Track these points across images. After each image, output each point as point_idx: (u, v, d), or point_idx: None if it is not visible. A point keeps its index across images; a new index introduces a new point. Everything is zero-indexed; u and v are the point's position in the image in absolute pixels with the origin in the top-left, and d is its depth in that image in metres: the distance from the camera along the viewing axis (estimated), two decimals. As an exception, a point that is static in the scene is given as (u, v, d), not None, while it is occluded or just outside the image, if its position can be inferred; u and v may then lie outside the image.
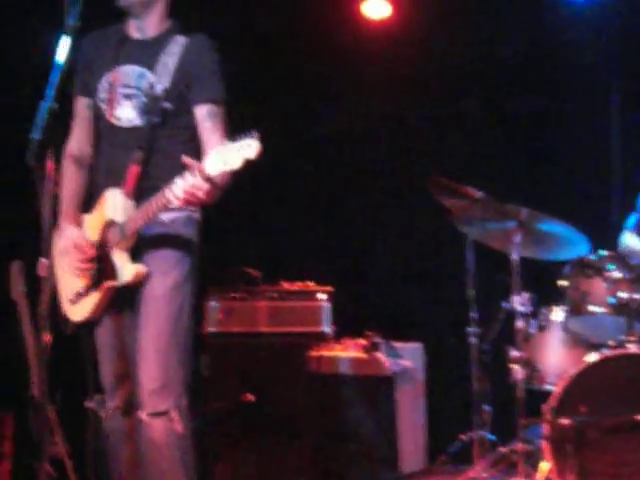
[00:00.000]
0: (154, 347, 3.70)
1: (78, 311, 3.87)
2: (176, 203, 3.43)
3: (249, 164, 3.26)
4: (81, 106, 3.99)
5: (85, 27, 3.45)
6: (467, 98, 6.93)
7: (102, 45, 3.94)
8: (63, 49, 3.31)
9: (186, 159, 3.38)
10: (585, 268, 5.01)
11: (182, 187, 3.36)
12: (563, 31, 6.69)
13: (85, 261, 3.77)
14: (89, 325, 3.89)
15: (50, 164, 3.17)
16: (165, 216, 3.76)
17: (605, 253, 5.03)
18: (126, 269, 3.70)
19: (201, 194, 3.38)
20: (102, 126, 3.89)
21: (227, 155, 3.22)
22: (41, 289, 3.20)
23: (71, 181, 3.94)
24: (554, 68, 6.76)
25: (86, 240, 3.80)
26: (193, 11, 4.62)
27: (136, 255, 3.75)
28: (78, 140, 4.00)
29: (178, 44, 3.83)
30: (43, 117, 3.17)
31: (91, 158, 3.98)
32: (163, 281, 3.74)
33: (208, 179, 3.33)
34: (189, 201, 3.42)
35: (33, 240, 3.51)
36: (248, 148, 3.19)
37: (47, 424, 4.16)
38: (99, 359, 3.93)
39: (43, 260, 3.17)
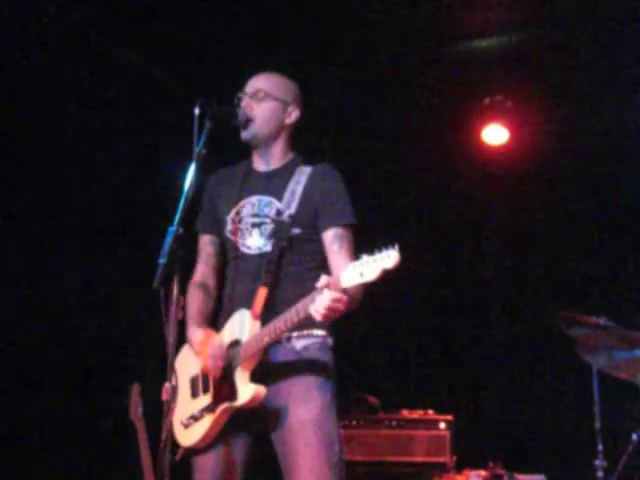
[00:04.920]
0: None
1: (189, 435, 3.78)
2: (317, 317, 3.35)
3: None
4: (205, 243, 4.04)
5: (213, 158, 3.56)
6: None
7: (228, 182, 4.01)
8: (190, 177, 3.41)
9: (321, 280, 3.32)
10: None
11: (323, 302, 3.31)
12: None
13: (220, 363, 3.66)
14: (198, 452, 3.76)
15: (175, 288, 3.21)
16: (298, 344, 3.71)
17: None
18: (245, 389, 3.59)
19: (341, 307, 3.33)
20: (231, 257, 3.93)
21: (364, 267, 3.18)
22: (164, 413, 3.21)
23: (196, 299, 3.93)
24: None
25: (221, 343, 3.73)
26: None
27: (273, 384, 3.65)
28: (202, 274, 4.03)
29: (303, 173, 3.89)
30: (169, 242, 3.24)
31: (215, 290, 4.02)
32: (307, 409, 3.62)
33: (344, 291, 3.30)
34: (329, 315, 3.35)
35: (156, 364, 3.54)
36: (387, 259, 3.13)
37: None
38: None
39: (167, 384, 3.19)
